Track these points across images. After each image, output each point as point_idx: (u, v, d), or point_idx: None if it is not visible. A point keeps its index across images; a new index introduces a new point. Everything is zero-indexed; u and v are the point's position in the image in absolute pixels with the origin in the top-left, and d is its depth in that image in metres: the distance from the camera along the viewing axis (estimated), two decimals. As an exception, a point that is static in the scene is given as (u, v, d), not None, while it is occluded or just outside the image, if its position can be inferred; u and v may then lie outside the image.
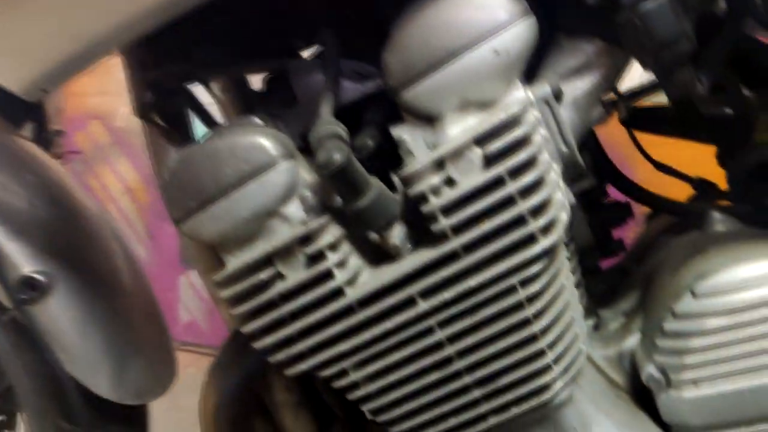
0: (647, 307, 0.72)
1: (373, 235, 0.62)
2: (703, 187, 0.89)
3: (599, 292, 0.80)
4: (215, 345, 2.42)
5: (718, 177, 0.84)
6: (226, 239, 0.62)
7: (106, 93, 2.69)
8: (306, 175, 0.61)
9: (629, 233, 0.93)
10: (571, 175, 0.66)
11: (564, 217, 0.58)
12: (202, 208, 0.60)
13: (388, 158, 0.62)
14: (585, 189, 0.84)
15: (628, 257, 0.89)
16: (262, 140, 0.59)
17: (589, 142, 0.83)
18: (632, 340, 0.71)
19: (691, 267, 0.67)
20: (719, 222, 0.77)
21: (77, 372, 0.83)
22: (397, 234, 0.61)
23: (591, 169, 0.83)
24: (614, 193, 0.87)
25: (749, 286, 0.63)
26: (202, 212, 0.61)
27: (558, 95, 0.63)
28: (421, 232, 0.60)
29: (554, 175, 0.58)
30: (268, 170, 0.59)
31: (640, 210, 0.89)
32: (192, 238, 0.64)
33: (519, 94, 0.57)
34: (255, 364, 0.73)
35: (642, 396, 0.69)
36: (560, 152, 0.64)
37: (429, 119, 0.58)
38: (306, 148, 0.62)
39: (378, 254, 0.62)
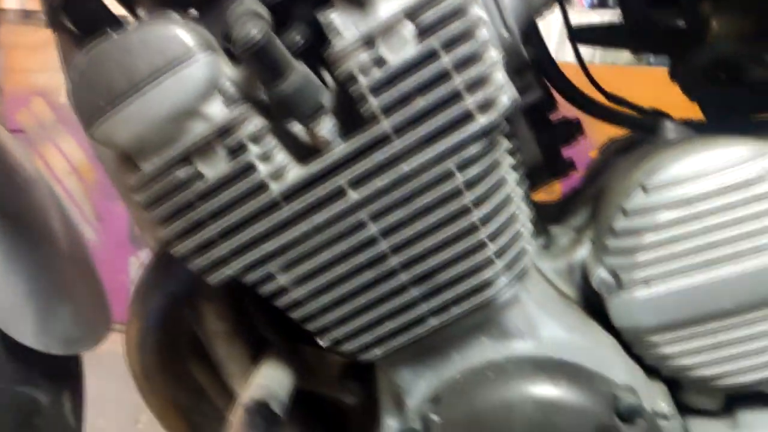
0: (598, 216, 0.68)
1: (302, 133, 0.57)
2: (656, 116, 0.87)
3: (549, 212, 0.77)
4: None
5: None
6: (141, 143, 0.56)
7: (48, 69, 2.58)
8: (228, 70, 0.56)
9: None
10: (514, 65, 0.62)
11: (505, 100, 0.54)
12: (114, 108, 0.55)
13: (319, 57, 0.57)
14: (532, 103, 0.81)
15: (582, 181, 0.85)
16: (178, 31, 0.54)
17: (539, 55, 0.79)
18: (583, 251, 0.67)
19: (642, 166, 0.64)
20: (672, 131, 0.74)
21: None
22: (325, 126, 0.55)
23: (539, 82, 0.80)
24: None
25: (703, 175, 0.59)
26: (114, 113, 0.55)
27: (497, -24, 0.58)
28: (352, 124, 0.55)
29: (494, 53, 0.54)
30: (185, 63, 0.54)
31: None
32: (105, 144, 0.59)
33: None
34: (180, 284, 0.67)
35: (593, 309, 0.66)
36: (501, 38, 0.60)
37: (359, 2, 0.53)
38: (229, 50, 0.57)
39: (307, 153, 0.57)
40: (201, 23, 0.66)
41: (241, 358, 0.73)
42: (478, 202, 0.54)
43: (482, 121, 0.52)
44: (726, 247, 0.59)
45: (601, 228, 0.65)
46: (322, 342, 0.59)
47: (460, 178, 0.53)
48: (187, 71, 0.54)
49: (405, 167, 0.53)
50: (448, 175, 0.53)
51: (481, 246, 0.55)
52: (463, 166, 0.53)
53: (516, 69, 0.63)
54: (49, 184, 0.92)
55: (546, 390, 0.56)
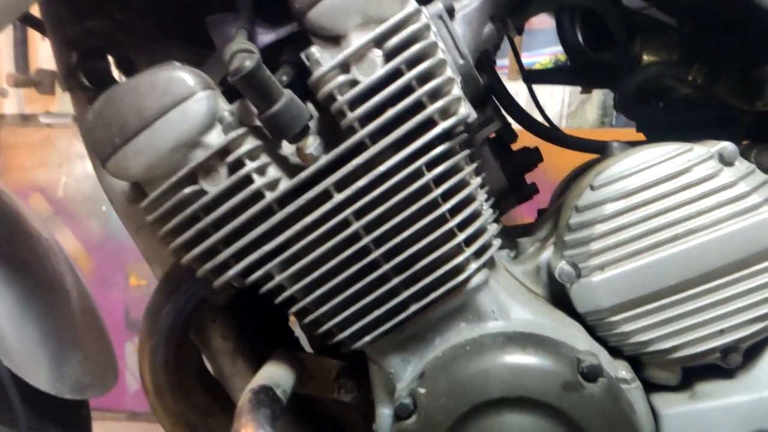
0: (559, 223, 0.76)
1: (291, 152, 0.66)
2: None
3: (519, 232, 0.85)
4: None
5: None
6: (151, 172, 0.64)
7: (46, 165, 2.71)
8: (225, 104, 0.65)
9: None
10: (471, 90, 0.72)
11: (462, 111, 0.63)
12: (127, 143, 0.64)
13: (303, 91, 0.67)
14: (495, 133, 0.91)
15: (549, 204, 0.94)
16: (181, 73, 0.64)
17: (497, 90, 0.90)
18: (547, 253, 0.75)
19: (591, 173, 0.73)
20: (618, 149, 0.84)
21: (14, 364, 0.82)
22: (311, 143, 0.65)
23: (497, 113, 0.91)
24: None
25: (641, 169, 0.68)
26: (126, 147, 0.64)
27: (450, 11, 0.69)
28: (334, 143, 0.64)
29: (449, 71, 0.64)
30: (188, 99, 0.63)
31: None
32: (118, 176, 0.67)
33: (414, 4, 0.64)
34: (187, 303, 0.74)
35: (560, 304, 0.73)
36: (457, 64, 0.70)
37: (335, 39, 0.64)
38: (226, 92, 0.66)
39: (296, 170, 0.65)
40: (199, 69, 0.77)
41: (245, 374, 0.79)
42: (446, 196, 0.63)
43: (444, 125, 0.61)
44: (665, 231, 0.67)
45: (560, 229, 0.73)
46: (318, 332, 0.66)
47: (428, 176, 0.62)
48: (190, 106, 0.63)
49: (381, 168, 0.62)
50: (418, 174, 0.62)
51: (450, 235, 0.63)
52: (430, 165, 0.62)
53: (473, 94, 0.73)
54: (58, 243, 0.99)
55: (517, 356, 0.62)
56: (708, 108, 0.80)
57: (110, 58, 0.84)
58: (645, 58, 0.87)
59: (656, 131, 0.87)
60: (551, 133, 0.89)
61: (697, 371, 0.71)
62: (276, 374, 0.69)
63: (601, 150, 0.85)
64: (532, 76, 0.97)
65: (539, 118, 0.94)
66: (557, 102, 2.49)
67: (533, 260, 0.76)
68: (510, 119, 0.91)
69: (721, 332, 0.67)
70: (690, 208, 0.67)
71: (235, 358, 0.79)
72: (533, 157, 0.93)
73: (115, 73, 0.86)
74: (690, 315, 0.68)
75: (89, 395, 0.95)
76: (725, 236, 0.66)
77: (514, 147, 0.95)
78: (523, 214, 1.07)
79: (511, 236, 0.82)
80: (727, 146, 0.67)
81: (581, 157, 0.90)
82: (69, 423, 0.95)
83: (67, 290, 0.95)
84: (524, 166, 0.93)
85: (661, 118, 0.85)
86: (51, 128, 2.74)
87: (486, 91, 0.87)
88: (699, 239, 0.67)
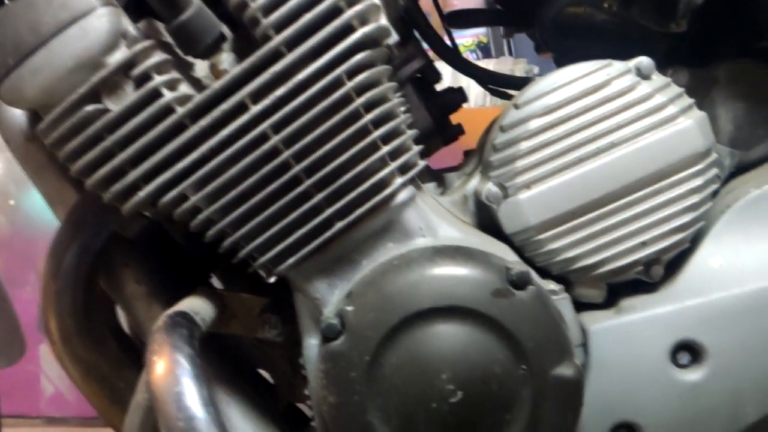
0: (485, 148, 0.75)
1: (208, 78, 0.63)
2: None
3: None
4: (83, 416, 2.26)
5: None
6: (49, 96, 0.60)
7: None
8: (129, 22, 0.61)
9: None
10: (390, 11, 0.70)
11: (383, 21, 0.61)
12: (21, 63, 0.59)
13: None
14: (418, 71, 0.90)
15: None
16: (79, -13, 0.59)
17: (419, 24, 0.89)
18: (474, 182, 0.74)
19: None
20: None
21: None
22: (226, 59, 0.62)
23: (419, 50, 0.89)
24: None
25: (563, 85, 0.68)
26: (21, 67, 0.59)
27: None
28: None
29: None
30: (88, 15, 0.59)
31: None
32: (14, 102, 0.62)
33: None
34: (93, 240, 0.69)
35: (487, 233, 0.72)
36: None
37: None
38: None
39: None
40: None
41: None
42: (369, 108, 0.61)
43: (363, 30, 0.59)
44: (588, 145, 0.68)
45: (486, 152, 0.72)
46: (237, 259, 0.63)
47: (349, 84, 0.60)
48: (90, 22, 0.58)
49: (299, 77, 0.59)
50: (338, 83, 0.60)
51: (374, 148, 0.61)
52: (351, 74, 0.60)
53: (393, 18, 0.71)
54: None
55: (446, 267, 0.61)
56: (624, 36, 0.81)
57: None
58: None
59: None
60: (475, 69, 0.88)
61: (622, 288, 0.71)
62: (195, 304, 0.65)
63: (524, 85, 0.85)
64: (453, 20, 0.96)
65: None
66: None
67: (460, 191, 0.75)
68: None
69: (643, 244, 0.68)
70: (610, 121, 0.67)
71: (150, 303, 0.75)
72: (458, 97, 0.93)
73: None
74: (613, 229, 0.68)
75: (-7, 365, 0.89)
76: (644, 148, 0.67)
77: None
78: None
79: (438, 177, 0.81)
80: (644, 60, 0.68)
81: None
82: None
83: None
84: (449, 105, 0.93)
85: (580, 50, 0.85)
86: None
87: (407, 25, 0.86)
88: (620, 152, 0.67)
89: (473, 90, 2.71)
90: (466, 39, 2.77)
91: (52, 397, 2.37)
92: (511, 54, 2.84)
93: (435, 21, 0.99)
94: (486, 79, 0.89)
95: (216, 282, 0.80)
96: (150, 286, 0.75)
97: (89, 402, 0.75)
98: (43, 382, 2.39)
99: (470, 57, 2.66)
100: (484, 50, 2.87)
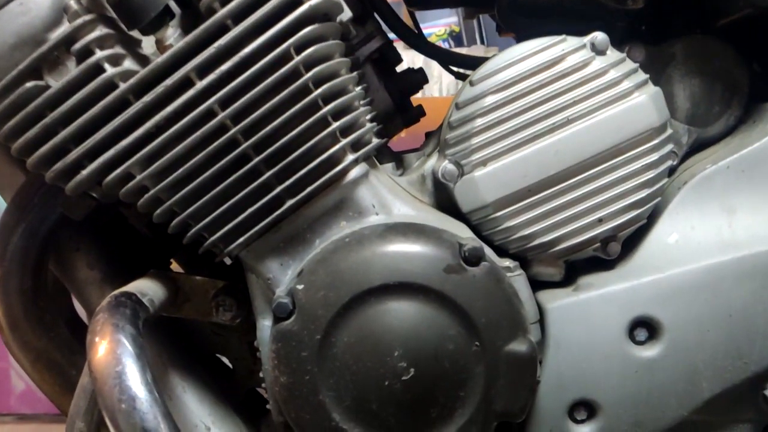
0: (442, 126, 0.74)
1: (154, 55, 0.61)
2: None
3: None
4: (54, 412, 2.23)
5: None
6: None
7: None
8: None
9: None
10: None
11: None
12: None
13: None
14: (377, 51, 0.88)
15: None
16: (18, -38, 0.57)
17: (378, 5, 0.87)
18: (431, 161, 0.73)
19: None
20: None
21: None
22: (171, 35, 0.60)
23: (378, 30, 0.88)
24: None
25: (517, 60, 0.67)
26: None
27: None
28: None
29: None
30: None
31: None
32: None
33: None
34: (40, 223, 0.67)
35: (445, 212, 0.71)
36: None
37: None
38: None
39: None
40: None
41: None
42: (318, 82, 0.60)
43: (311, 3, 0.58)
44: (544, 121, 0.67)
45: (443, 130, 0.71)
46: (186, 240, 0.61)
47: (297, 59, 0.58)
48: None
49: (245, 50, 0.57)
50: (286, 57, 0.58)
51: (324, 124, 0.60)
52: (299, 48, 0.58)
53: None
54: None
55: (397, 244, 0.60)
56: (583, 13, 0.80)
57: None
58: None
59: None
60: (435, 50, 0.87)
61: (580, 266, 0.71)
62: (144, 286, 0.63)
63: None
64: (415, 1, 0.95)
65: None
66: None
67: (418, 171, 0.74)
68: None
69: (600, 221, 0.68)
70: (565, 97, 0.67)
71: (103, 288, 0.73)
72: (419, 77, 0.92)
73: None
74: (570, 206, 0.68)
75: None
76: (599, 123, 0.67)
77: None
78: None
79: (398, 158, 0.80)
80: (598, 35, 0.68)
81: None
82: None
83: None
84: (409, 86, 0.92)
85: (539, 29, 0.85)
86: None
87: (366, 5, 0.85)
88: (575, 128, 0.67)
89: (445, 79, 2.71)
90: (438, 28, 2.77)
91: (23, 394, 2.33)
92: (483, 42, 2.84)
93: (405, 12, 0.99)
94: (446, 59, 0.88)
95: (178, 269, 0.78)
96: (103, 271, 0.73)
97: (39, 388, 0.73)
98: (14, 378, 2.35)
99: (443, 45, 2.65)
100: (456, 39, 2.86)
